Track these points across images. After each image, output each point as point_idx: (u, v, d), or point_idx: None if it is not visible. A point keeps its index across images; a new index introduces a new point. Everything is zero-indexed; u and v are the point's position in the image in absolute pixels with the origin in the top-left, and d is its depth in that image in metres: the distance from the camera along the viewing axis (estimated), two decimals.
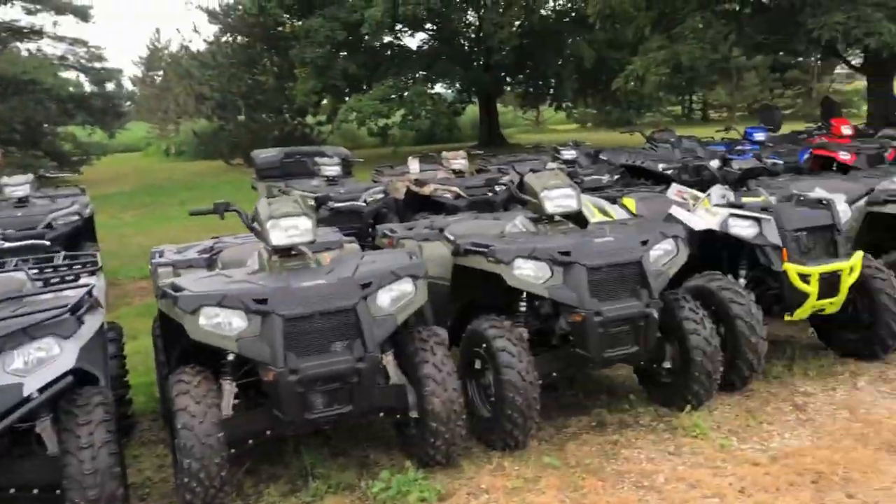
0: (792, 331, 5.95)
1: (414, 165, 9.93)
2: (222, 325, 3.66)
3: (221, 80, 26.13)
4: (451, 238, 4.98)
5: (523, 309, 4.52)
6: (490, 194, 8.22)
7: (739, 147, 11.53)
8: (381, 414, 4.08)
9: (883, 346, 5.30)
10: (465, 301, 4.98)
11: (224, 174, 22.76)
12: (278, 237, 3.98)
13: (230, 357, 3.83)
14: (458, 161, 9.37)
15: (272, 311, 3.64)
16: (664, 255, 4.61)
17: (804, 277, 4.99)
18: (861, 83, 27.84)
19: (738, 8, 16.12)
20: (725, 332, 4.87)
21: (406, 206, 9.11)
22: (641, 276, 4.38)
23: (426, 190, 8.79)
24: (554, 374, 4.53)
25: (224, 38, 27.77)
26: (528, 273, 4.26)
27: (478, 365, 4.36)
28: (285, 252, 4.06)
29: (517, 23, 26.90)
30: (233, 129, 26.66)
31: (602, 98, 30.17)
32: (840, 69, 37.90)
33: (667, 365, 4.67)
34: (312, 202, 7.80)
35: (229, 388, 3.89)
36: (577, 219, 5.31)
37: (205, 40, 33.83)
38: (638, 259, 4.38)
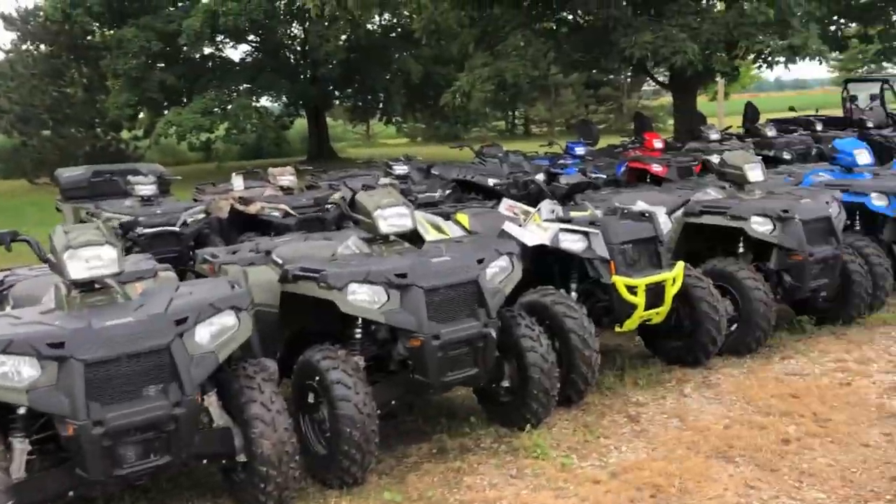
0: (620, 340, 6.11)
1: (238, 182, 9.45)
2: (9, 374, 3.16)
3: (22, 92, 23.94)
4: (280, 262, 4.67)
5: (359, 335, 4.29)
6: (321, 212, 7.91)
7: (562, 161, 11.96)
8: (205, 461, 3.70)
9: (705, 352, 5.54)
10: (297, 328, 4.69)
11: (27, 195, 20.82)
12: (77, 269, 3.50)
13: (21, 411, 3.32)
14: (286, 177, 9.00)
15: (70, 355, 3.18)
16: (500, 272, 4.55)
17: (632, 289, 5.10)
18: (667, 99, 29.99)
19: (555, 27, 16.80)
20: (560, 347, 4.88)
21: (231, 226, 8.61)
22: (479, 295, 4.28)
23: (252, 208, 8.35)
24: (393, 402, 4.34)
25: (24, 47, 25.51)
26: (362, 298, 4.03)
27: (311, 399, 4.08)
28: (87, 286, 3.59)
29: (343, 36, 26.70)
30: (37, 144, 24.47)
31: (431, 113, 30.61)
32: (647, 86, 40.73)
33: (505, 384, 4.60)
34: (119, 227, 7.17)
35: (21, 446, 3.36)
36: (412, 237, 5.16)
37: (1, 48, 30.82)
38: (475, 278, 4.28)
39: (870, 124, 14.58)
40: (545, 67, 14.63)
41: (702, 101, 24.60)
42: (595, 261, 5.20)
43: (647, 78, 23.05)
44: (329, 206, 7.70)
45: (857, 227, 7.05)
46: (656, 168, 10.58)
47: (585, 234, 5.27)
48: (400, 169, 10.49)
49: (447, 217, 6.34)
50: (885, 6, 17.26)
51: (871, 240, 6.74)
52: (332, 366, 3.93)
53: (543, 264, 5.57)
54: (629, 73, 27.14)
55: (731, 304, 5.78)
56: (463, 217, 6.27)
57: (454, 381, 4.26)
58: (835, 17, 17.04)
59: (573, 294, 5.36)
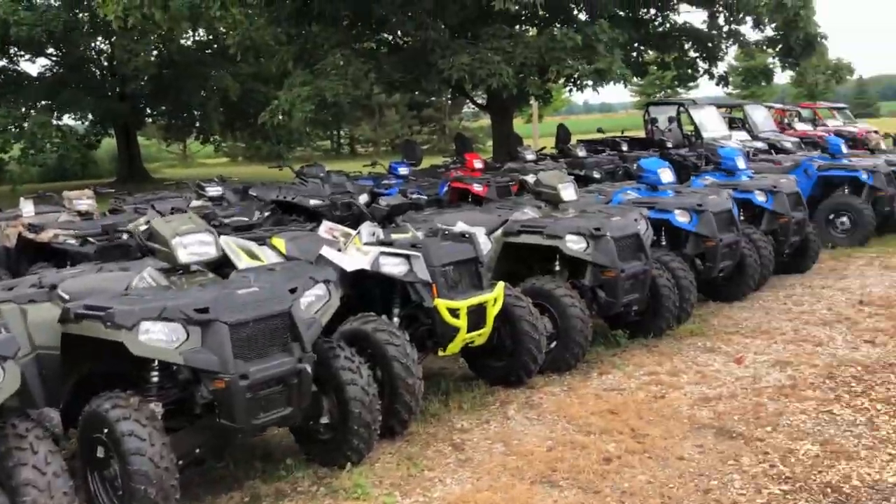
0: (444, 362, 5.99)
1: (28, 207, 8.57)
2: None
3: None
4: (66, 298, 4.13)
5: (155, 378, 3.85)
6: (110, 240, 7.21)
7: (386, 181, 11.87)
8: None
9: (526, 371, 5.53)
10: (85, 371, 4.16)
11: None
12: None
13: None
14: (84, 201, 8.22)
15: None
16: (316, 301, 4.28)
17: (454, 312, 5.00)
18: (486, 121, 30.92)
19: (375, 47, 16.75)
20: (382, 376, 4.69)
21: (20, 256, 7.74)
22: (292, 328, 3.98)
23: (44, 236, 7.53)
24: (198, 450, 3.93)
25: None
26: (157, 338, 3.61)
27: (101, 453, 3.59)
28: None
29: (155, 52, 25.34)
30: None
31: (251, 132, 29.67)
32: (468, 108, 41.88)
33: (324, 420, 4.31)
34: None
35: None
36: (224, 265, 4.78)
37: None
38: (287, 310, 3.97)
39: (669, 144, 15.65)
40: (367, 87, 14.50)
41: (518, 123, 25.55)
42: (417, 284, 5.05)
43: (467, 100, 23.60)
44: (119, 233, 6.98)
45: (664, 243, 7.41)
46: (477, 188, 10.75)
47: (406, 257, 5.11)
48: (213, 190, 9.91)
49: (262, 242, 5.97)
50: (678, 36, 18.70)
51: (676, 254, 7.10)
52: (123, 415, 3.48)
53: (365, 289, 5.36)
54: (450, 96, 27.67)
55: (549, 321, 5.84)
56: (279, 242, 5.91)
57: (266, 423, 3.92)
58: (636, 45, 18.21)
59: (395, 319, 5.18)
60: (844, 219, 10.28)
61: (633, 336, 6.57)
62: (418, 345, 5.15)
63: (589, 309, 6.05)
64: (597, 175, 12.97)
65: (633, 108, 59.49)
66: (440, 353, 5.21)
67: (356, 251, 5.28)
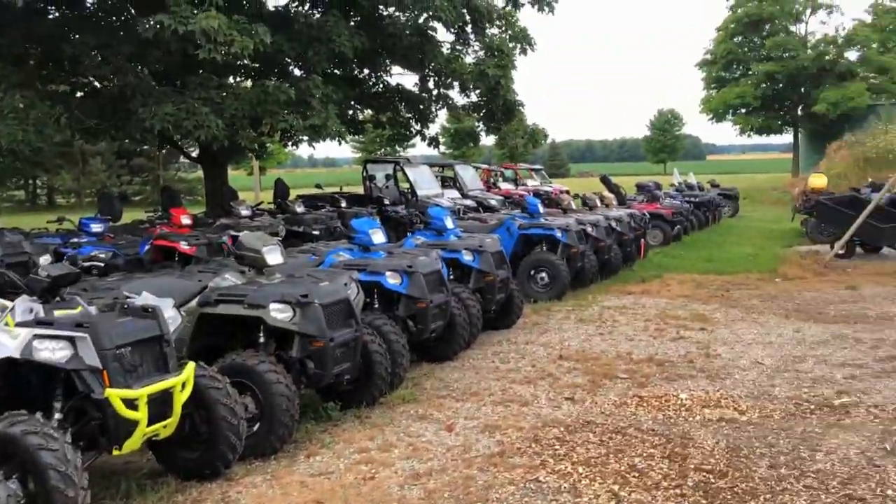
0: (130, 455, 5.14)
1: None
2: None
3: None
4: None
5: None
6: None
7: (75, 240, 10.52)
8: None
9: (224, 461, 4.90)
10: None
11: None
12: None
13: None
14: None
15: None
16: None
17: (130, 403, 4.27)
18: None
19: (69, 90, 15.09)
20: (35, 488, 3.85)
21: None
22: None
23: None
24: None
25: None
26: None
27: None
28: None
29: None
30: None
31: None
32: (185, 158, 39.96)
33: None
34: None
35: None
36: None
37: None
38: None
39: (387, 201, 15.91)
40: (53, 133, 12.89)
41: (240, 176, 24.63)
42: (83, 372, 4.25)
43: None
44: None
45: (376, 305, 7.20)
46: (185, 247, 9.92)
47: (70, 339, 4.29)
48: None
49: None
50: (392, 97, 19.18)
51: (389, 317, 6.91)
52: None
53: (19, 379, 4.43)
54: (159, 145, 25.97)
55: (252, 400, 5.30)
56: None
57: None
58: (352, 103, 18.35)
59: (56, 416, 4.31)
60: (544, 274, 10.94)
61: (345, 407, 6.22)
62: (88, 444, 4.38)
63: (297, 382, 5.61)
64: (316, 232, 12.71)
65: (356, 163, 60.82)
66: (115, 452, 4.42)
67: (6, 334, 4.34)
